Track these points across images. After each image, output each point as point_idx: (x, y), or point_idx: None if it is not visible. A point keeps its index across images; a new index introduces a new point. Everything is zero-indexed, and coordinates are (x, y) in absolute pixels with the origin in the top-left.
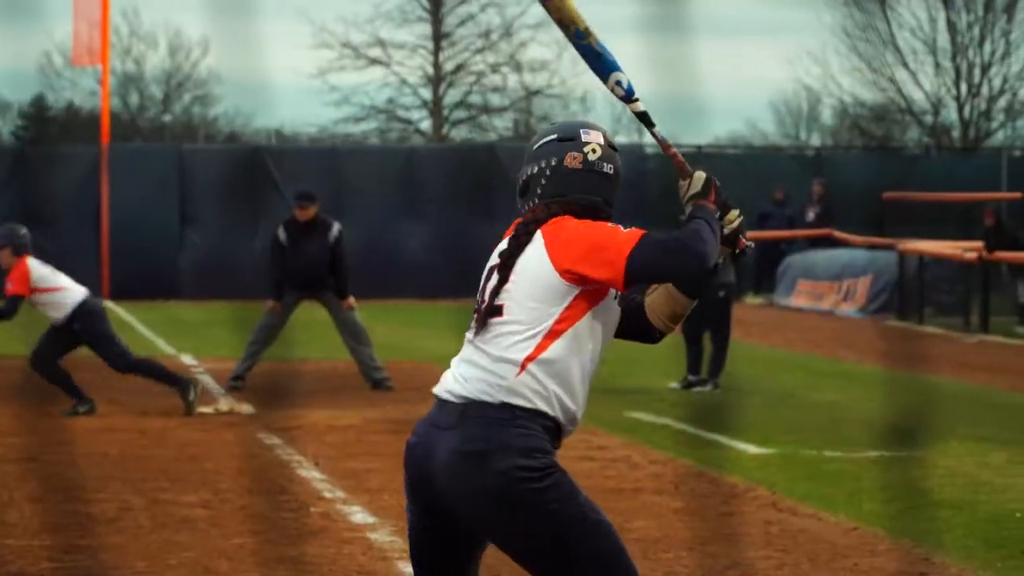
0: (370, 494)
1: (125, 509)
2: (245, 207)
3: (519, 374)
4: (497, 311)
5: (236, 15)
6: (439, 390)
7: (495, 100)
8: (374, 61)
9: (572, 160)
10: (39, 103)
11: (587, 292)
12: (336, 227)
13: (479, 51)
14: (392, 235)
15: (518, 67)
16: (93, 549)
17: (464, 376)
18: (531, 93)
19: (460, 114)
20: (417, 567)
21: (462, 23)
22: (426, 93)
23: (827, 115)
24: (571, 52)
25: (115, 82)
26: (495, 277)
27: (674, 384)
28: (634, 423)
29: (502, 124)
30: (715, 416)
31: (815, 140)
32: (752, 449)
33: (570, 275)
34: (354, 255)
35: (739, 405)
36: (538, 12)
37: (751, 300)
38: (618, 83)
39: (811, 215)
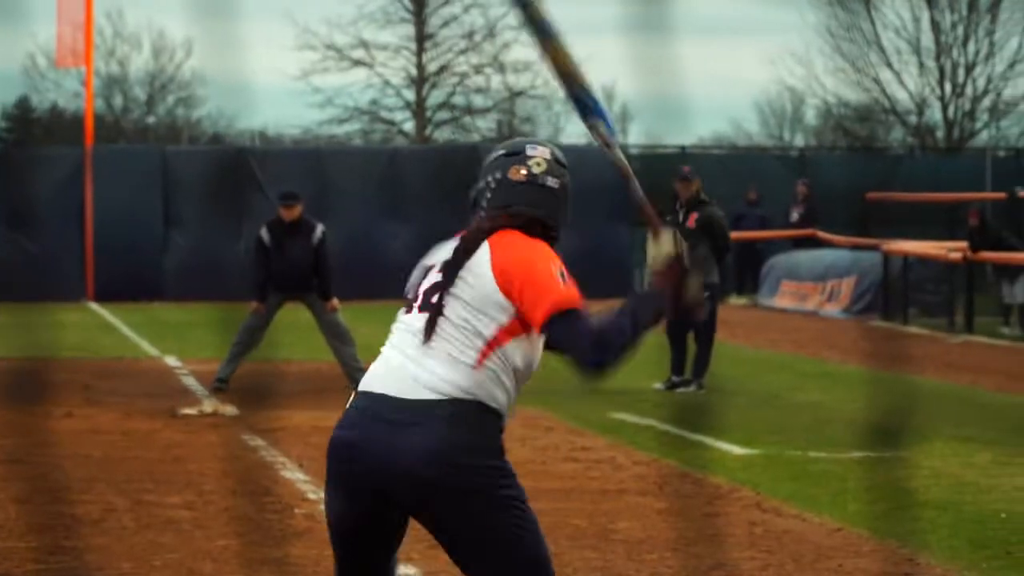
0: None
1: (110, 510)
2: (229, 208)
3: (475, 373)
4: (441, 311)
5: (219, 16)
6: (384, 385)
7: (478, 101)
8: (357, 63)
9: (516, 173)
10: (23, 105)
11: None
12: (320, 228)
13: (462, 52)
14: (375, 236)
15: (501, 68)
16: (78, 550)
17: (415, 375)
18: (514, 94)
19: (443, 115)
20: (342, 561)
21: (445, 24)
22: (409, 94)
23: (811, 116)
24: None
25: (99, 84)
26: (436, 278)
27: (658, 385)
28: (618, 424)
29: (485, 125)
30: (699, 417)
31: (799, 140)
32: (736, 450)
33: (509, 297)
34: (337, 256)
35: (723, 406)
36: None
37: (735, 301)
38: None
39: (795, 215)
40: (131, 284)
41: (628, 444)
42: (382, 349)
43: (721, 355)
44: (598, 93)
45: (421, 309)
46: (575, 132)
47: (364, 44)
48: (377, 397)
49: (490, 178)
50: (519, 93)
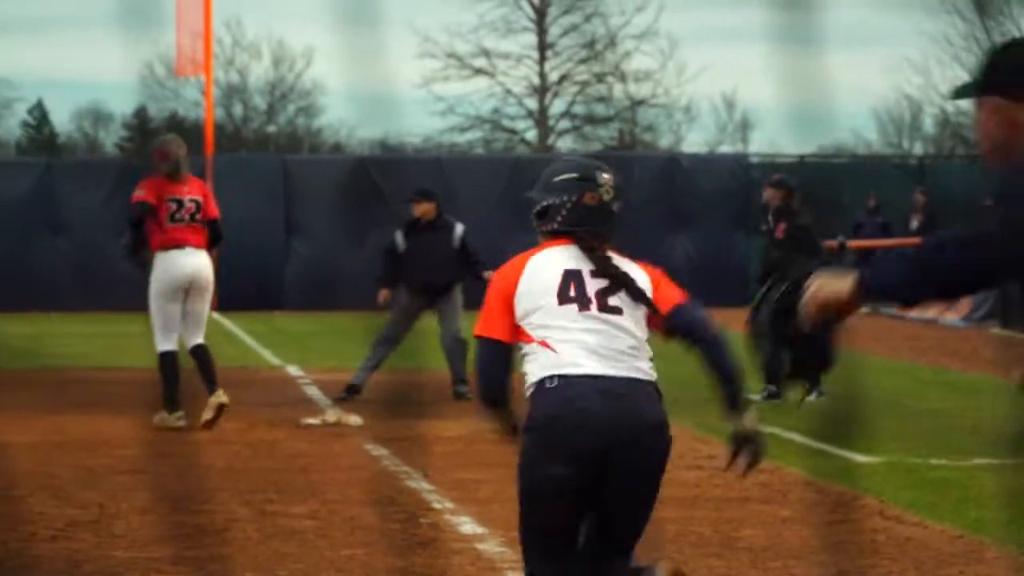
0: (479, 504)
1: (233, 520)
2: (350, 218)
3: (649, 362)
4: (618, 311)
5: (343, 25)
6: (609, 369)
7: (599, 110)
8: (479, 71)
9: (590, 198)
10: (141, 114)
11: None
12: (460, 227)
13: (583, 61)
14: (498, 245)
15: (623, 77)
16: (201, 560)
17: (615, 358)
18: (636, 103)
19: (565, 124)
20: (551, 541)
21: (565, 33)
22: (532, 103)
23: (929, 124)
24: (675, 62)
25: (219, 93)
26: (599, 283)
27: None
28: None
29: (607, 134)
30: (822, 425)
31: (918, 149)
32: (859, 458)
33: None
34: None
35: (846, 414)
36: (642, 22)
37: None
38: None
39: (914, 223)
40: (253, 294)
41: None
42: (555, 345)
43: (843, 363)
44: (718, 101)
45: (606, 310)
46: (696, 140)
47: (485, 53)
48: (599, 377)
49: (564, 197)
50: (640, 102)
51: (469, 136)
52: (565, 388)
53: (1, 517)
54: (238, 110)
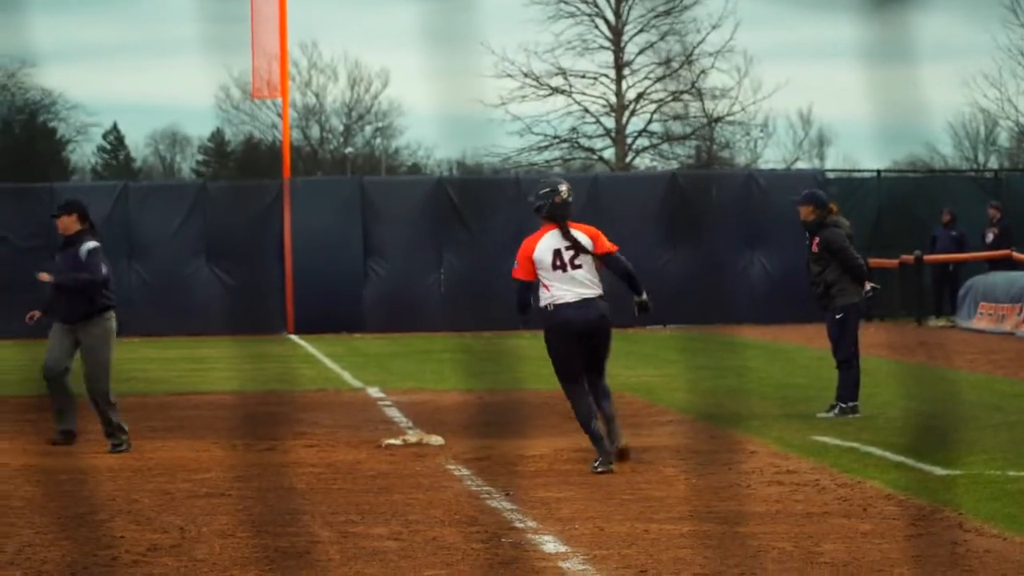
0: (561, 523)
1: (315, 543)
2: (428, 239)
3: (598, 287)
4: (579, 267)
5: (418, 46)
6: (580, 294)
7: (676, 128)
8: (556, 90)
9: (558, 198)
10: (218, 137)
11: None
12: (89, 243)
13: (660, 79)
14: None
15: (699, 95)
16: None
17: (582, 288)
18: (712, 120)
19: (643, 142)
20: (571, 373)
21: (642, 51)
22: (609, 122)
23: (1004, 137)
24: (751, 79)
25: (295, 115)
26: (570, 252)
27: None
28: (821, 447)
29: (684, 152)
30: (901, 438)
31: (992, 162)
32: (938, 471)
33: (600, 251)
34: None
35: (924, 427)
36: (718, 40)
37: (934, 323)
38: None
39: (990, 237)
40: (331, 316)
41: (832, 466)
42: (551, 287)
43: (921, 377)
44: (794, 117)
45: (574, 268)
46: (772, 157)
47: (562, 72)
48: (580, 298)
49: (545, 201)
50: (717, 120)
51: (547, 155)
52: (566, 305)
53: (83, 542)
54: (315, 132)
